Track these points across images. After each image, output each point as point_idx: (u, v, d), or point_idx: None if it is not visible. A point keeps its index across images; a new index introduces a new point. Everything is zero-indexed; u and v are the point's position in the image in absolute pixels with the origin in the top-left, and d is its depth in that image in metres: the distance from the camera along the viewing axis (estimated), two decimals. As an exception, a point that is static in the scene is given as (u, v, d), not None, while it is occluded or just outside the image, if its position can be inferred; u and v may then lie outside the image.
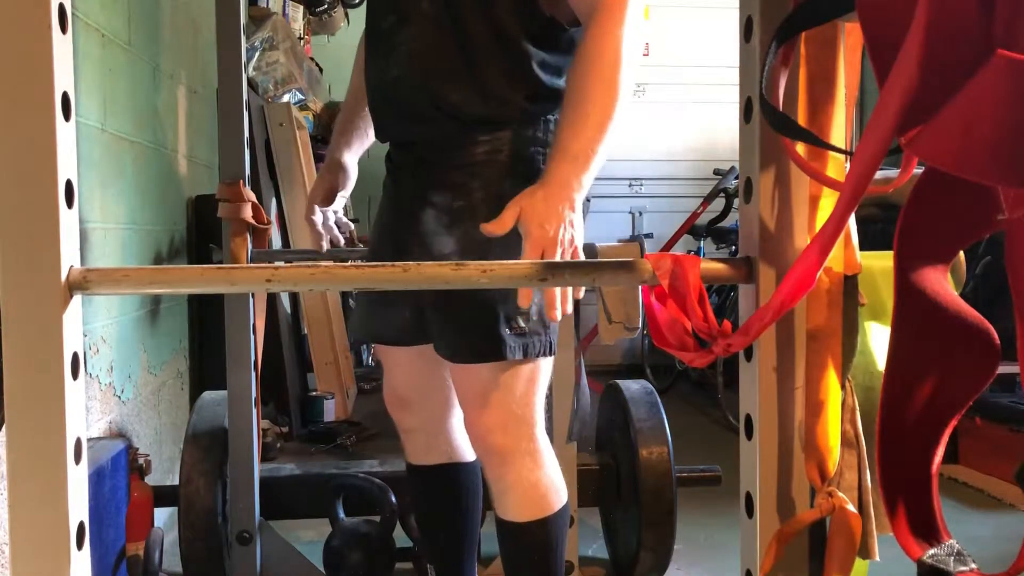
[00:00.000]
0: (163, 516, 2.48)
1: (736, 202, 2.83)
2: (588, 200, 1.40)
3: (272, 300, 3.25)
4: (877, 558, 0.96)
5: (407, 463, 1.80)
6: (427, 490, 1.79)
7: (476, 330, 1.44)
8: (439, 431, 1.72)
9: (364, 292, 1.68)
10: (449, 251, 1.46)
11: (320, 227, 1.75)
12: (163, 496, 2.13)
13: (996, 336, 0.76)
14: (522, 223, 1.23)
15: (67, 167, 0.81)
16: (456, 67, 1.45)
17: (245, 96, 1.98)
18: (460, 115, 1.46)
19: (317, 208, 1.73)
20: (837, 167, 0.90)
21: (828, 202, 0.91)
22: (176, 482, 2.10)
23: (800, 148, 0.86)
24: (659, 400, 2.31)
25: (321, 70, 5.46)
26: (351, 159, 1.74)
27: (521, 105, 1.46)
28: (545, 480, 1.52)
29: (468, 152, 1.47)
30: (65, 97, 0.80)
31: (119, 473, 2.19)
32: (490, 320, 1.43)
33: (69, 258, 0.81)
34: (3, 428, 0.80)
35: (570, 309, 1.28)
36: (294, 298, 4.34)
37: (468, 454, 1.73)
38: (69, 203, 0.81)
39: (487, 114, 1.46)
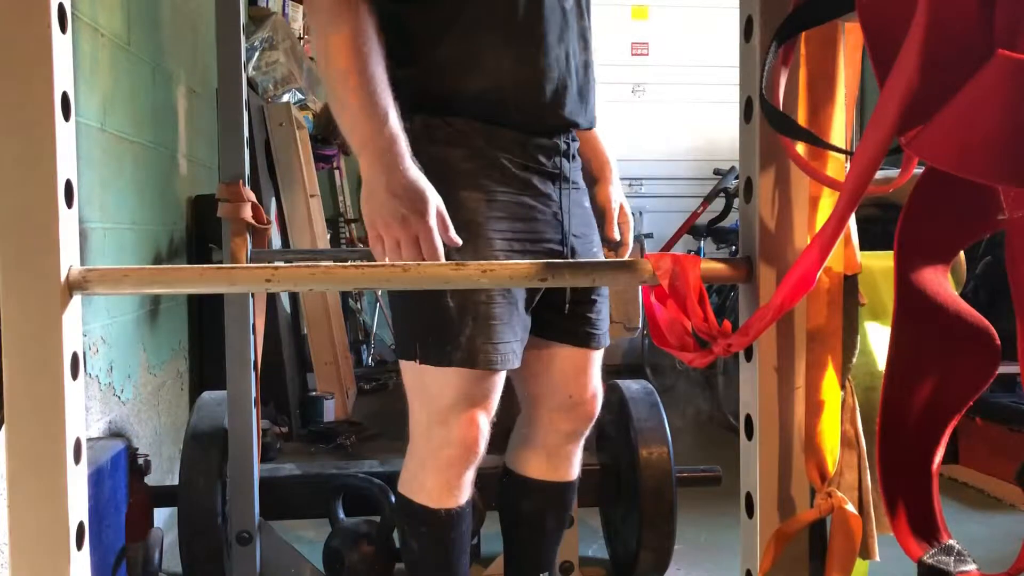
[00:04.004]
0: (163, 516, 2.48)
1: (736, 202, 2.83)
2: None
3: (272, 300, 3.25)
4: (877, 558, 0.96)
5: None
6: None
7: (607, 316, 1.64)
8: None
9: (499, 297, 1.42)
10: (597, 250, 1.62)
11: None
12: (163, 496, 2.13)
13: (996, 336, 0.76)
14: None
15: (67, 167, 0.80)
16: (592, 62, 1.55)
17: (245, 96, 1.98)
18: (593, 108, 1.55)
19: None
20: (837, 167, 0.90)
21: (828, 202, 0.91)
22: (176, 482, 2.10)
23: (800, 148, 0.86)
24: (659, 400, 2.31)
25: (321, 70, 5.45)
26: None
27: None
28: None
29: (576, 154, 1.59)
30: (65, 97, 0.80)
31: (119, 473, 2.19)
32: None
33: (69, 258, 0.81)
34: (3, 428, 0.80)
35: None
36: (294, 298, 4.34)
37: None
38: (69, 203, 0.81)
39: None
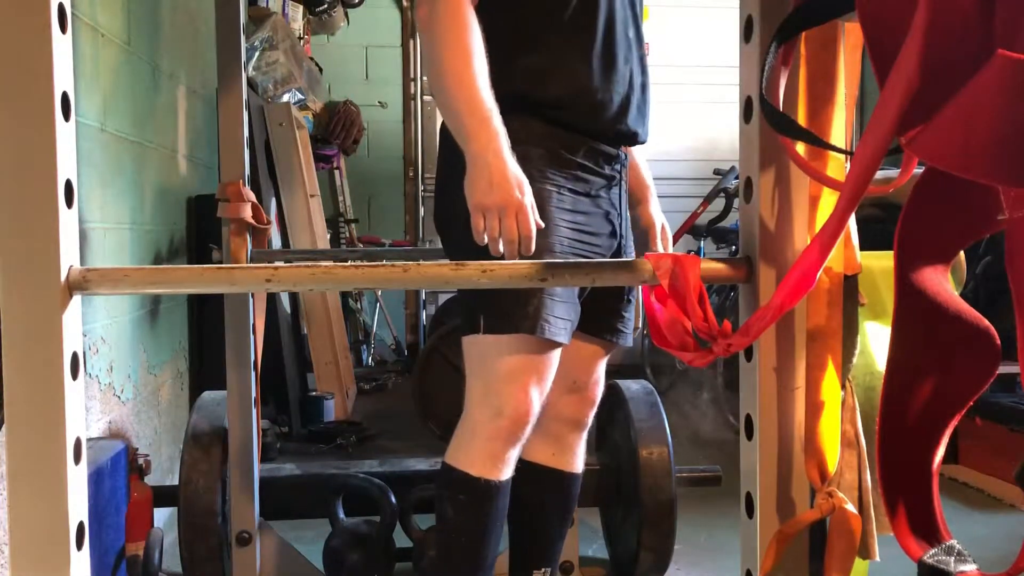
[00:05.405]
0: (163, 516, 2.47)
1: (736, 202, 2.83)
2: None
3: (272, 300, 3.25)
4: (877, 558, 0.96)
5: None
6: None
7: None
8: None
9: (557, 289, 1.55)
10: (632, 249, 1.76)
11: None
12: (163, 496, 2.13)
13: (996, 336, 0.76)
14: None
15: (67, 167, 0.80)
16: None
17: (245, 96, 1.98)
18: (647, 124, 1.73)
19: None
20: (837, 167, 0.90)
21: (828, 202, 0.92)
22: (176, 482, 2.10)
23: (800, 148, 0.86)
24: (659, 400, 2.31)
25: (321, 70, 5.46)
26: None
27: None
28: None
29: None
30: (65, 97, 0.80)
31: (119, 473, 2.20)
32: None
33: (69, 258, 0.81)
34: (3, 428, 0.80)
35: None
36: (294, 298, 4.34)
37: None
38: (69, 203, 0.81)
39: None
